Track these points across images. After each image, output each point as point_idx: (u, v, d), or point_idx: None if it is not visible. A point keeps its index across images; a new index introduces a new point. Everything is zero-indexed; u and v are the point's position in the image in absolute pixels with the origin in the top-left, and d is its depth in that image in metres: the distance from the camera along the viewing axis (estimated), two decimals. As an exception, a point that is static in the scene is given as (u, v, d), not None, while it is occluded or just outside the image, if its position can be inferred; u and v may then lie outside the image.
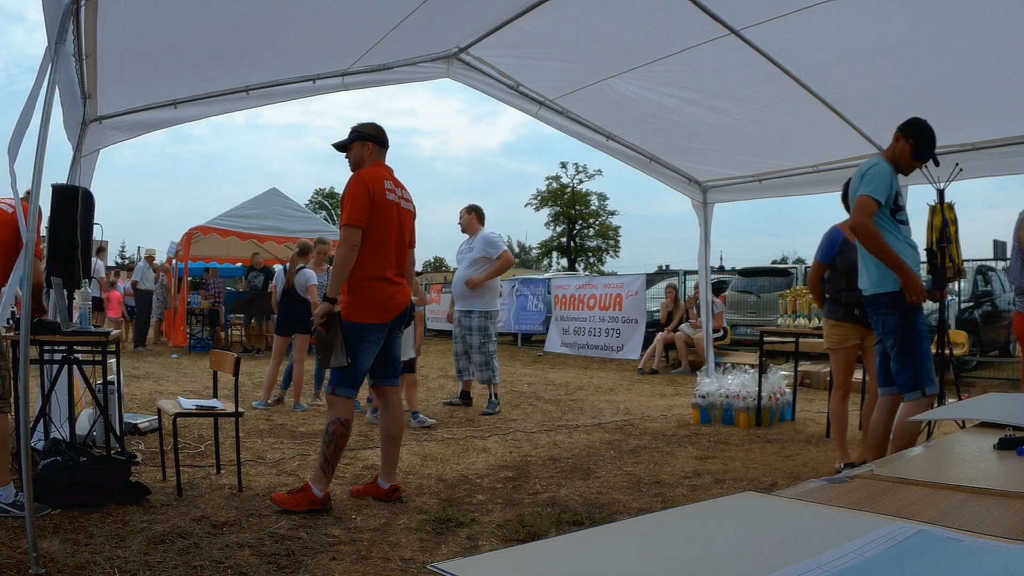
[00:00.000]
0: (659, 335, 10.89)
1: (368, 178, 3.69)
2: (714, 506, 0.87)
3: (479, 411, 6.75)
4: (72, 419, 4.45)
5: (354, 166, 3.87)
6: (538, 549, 0.71)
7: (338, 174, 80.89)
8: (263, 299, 11.74)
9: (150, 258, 13.87)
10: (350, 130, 3.92)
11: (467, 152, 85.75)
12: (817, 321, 6.09)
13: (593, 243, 49.79)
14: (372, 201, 3.64)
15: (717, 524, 0.78)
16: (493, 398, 6.80)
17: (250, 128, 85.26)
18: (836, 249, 4.52)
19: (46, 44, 2.91)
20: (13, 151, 2.80)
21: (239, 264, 15.82)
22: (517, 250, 58.20)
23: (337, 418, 3.68)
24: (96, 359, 4.29)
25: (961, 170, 4.99)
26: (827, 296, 4.61)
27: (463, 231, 6.90)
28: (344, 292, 3.69)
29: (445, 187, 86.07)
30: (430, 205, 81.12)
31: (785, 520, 0.81)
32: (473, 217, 6.84)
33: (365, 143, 3.86)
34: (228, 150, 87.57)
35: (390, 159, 3.96)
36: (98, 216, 4.42)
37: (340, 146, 3.93)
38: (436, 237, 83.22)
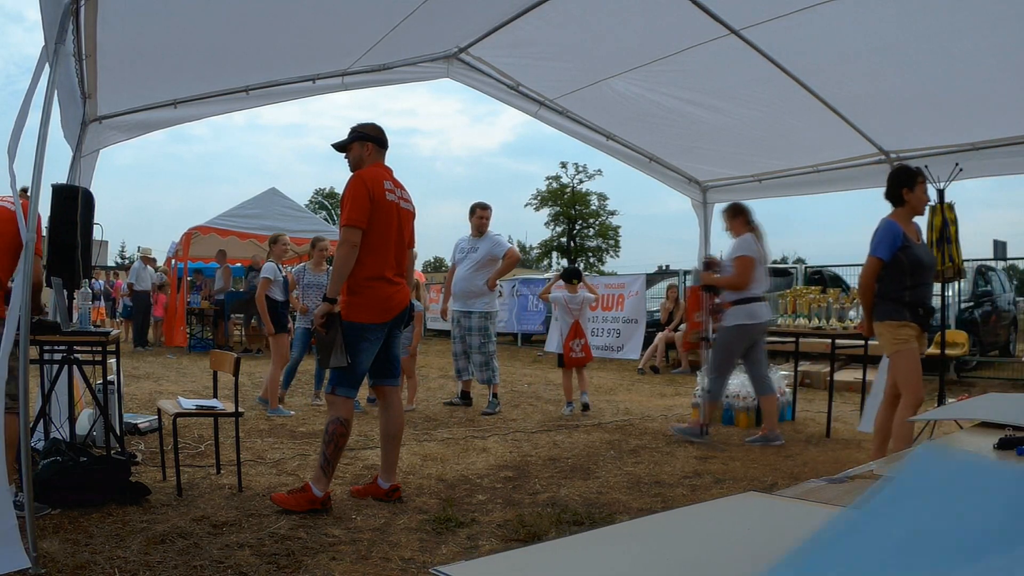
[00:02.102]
0: (660, 335, 10.88)
1: (368, 178, 3.70)
2: (716, 506, 0.87)
3: (479, 411, 6.75)
4: (72, 419, 4.45)
5: (354, 166, 3.88)
6: (537, 552, 0.71)
7: (338, 174, 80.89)
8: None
9: (145, 258, 13.85)
10: (350, 130, 3.93)
11: (467, 152, 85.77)
12: (818, 321, 6.08)
13: (593, 243, 49.78)
14: (372, 201, 3.65)
15: (719, 524, 0.78)
16: (493, 398, 6.80)
17: (250, 128, 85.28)
18: (899, 244, 4.09)
19: (43, 44, 2.91)
20: (12, 151, 2.80)
21: (238, 264, 15.82)
22: (517, 250, 58.18)
23: (337, 418, 3.68)
24: (96, 359, 4.29)
25: (961, 170, 4.99)
26: (880, 296, 4.17)
27: (478, 230, 6.83)
28: (343, 292, 3.70)
29: (445, 187, 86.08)
30: (430, 205, 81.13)
31: (787, 520, 0.81)
32: (488, 219, 6.84)
33: (365, 143, 3.87)
34: (228, 150, 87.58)
35: (390, 159, 3.97)
36: (98, 216, 4.42)
37: (340, 146, 3.94)
38: (436, 237, 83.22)
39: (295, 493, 3.65)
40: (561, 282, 7.18)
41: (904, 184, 4.19)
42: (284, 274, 6.95)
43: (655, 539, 0.73)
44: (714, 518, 0.82)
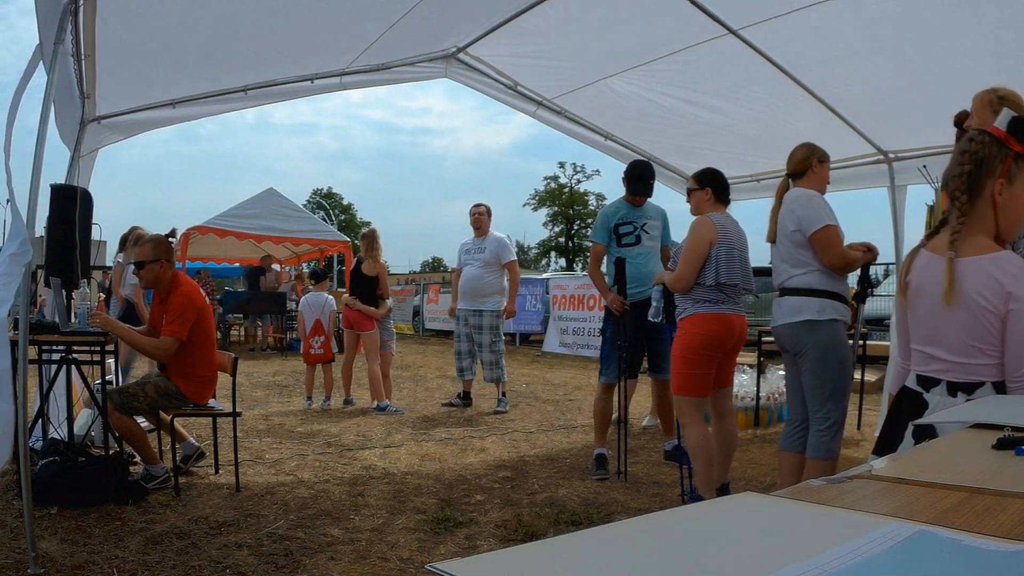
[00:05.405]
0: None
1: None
2: (713, 506, 0.87)
3: (478, 411, 6.75)
4: (71, 419, 4.45)
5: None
6: (536, 549, 0.71)
7: (340, 173, 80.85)
8: (261, 299, 11.70)
9: None
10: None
11: (477, 152, 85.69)
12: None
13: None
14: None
15: (716, 524, 0.78)
16: (503, 397, 6.83)
17: (258, 127, 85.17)
18: None
19: (37, 43, 2.91)
20: (6, 148, 2.80)
21: (236, 264, 15.83)
22: (515, 249, 58.36)
23: None
24: (94, 359, 4.29)
25: (960, 170, 4.98)
26: None
27: (477, 229, 6.85)
28: None
29: (453, 186, 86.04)
30: (436, 204, 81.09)
31: (784, 520, 0.81)
32: (488, 218, 6.87)
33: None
34: (234, 149, 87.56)
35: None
36: (98, 216, 4.42)
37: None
38: (436, 237, 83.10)
39: None
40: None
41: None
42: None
43: (651, 538, 0.73)
44: (711, 518, 0.82)
